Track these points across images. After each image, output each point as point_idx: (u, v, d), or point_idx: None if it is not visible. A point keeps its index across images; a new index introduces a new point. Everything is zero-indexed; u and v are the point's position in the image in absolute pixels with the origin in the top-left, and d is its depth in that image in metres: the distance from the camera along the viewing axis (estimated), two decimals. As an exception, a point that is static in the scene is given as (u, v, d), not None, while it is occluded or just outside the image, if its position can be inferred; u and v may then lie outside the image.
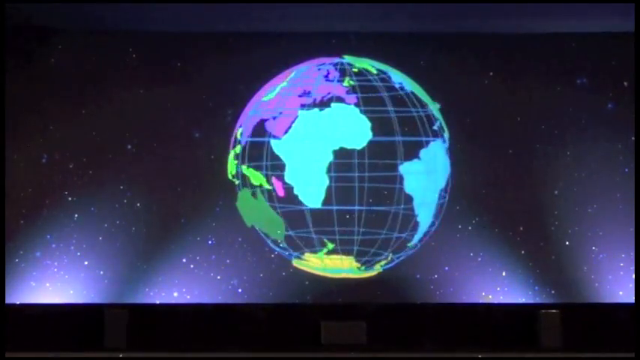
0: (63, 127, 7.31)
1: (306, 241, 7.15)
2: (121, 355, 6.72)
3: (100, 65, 7.37)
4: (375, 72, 7.31)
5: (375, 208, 7.13)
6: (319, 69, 7.36)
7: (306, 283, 7.24)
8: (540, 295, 7.18)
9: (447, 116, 7.32)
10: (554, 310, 7.05)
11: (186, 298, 7.16)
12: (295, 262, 7.23)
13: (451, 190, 7.26)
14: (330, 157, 7.15)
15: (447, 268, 7.23)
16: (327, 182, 7.14)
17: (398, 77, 7.33)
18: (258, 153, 7.21)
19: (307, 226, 7.14)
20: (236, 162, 7.25)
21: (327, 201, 7.15)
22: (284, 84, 7.31)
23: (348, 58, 7.38)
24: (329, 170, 7.14)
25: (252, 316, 7.17)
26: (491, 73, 7.40)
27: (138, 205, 7.25)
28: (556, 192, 7.29)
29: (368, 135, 7.18)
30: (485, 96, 7.37)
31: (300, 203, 7.16)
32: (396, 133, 7.16)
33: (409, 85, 7.32)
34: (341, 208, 7.14)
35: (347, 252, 7.16)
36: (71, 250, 7.17)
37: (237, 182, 7.24)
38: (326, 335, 7.05)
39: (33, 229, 7.17)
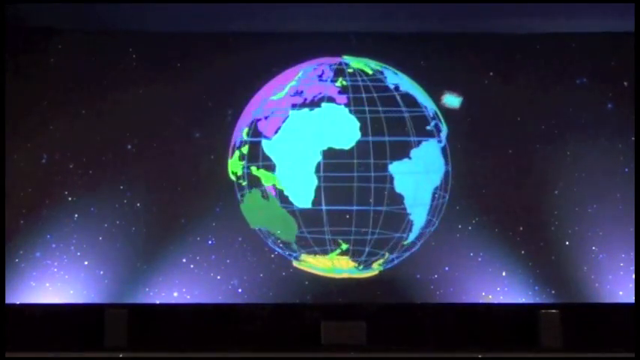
0: (63, 127, 7.31)
1: (319, 241, 7.14)
2: (121, 355, 6.72)
3: (100, 65, 7.37)
4: (371, 72, 7.31)
5: (365, 208, 7.12)
6: (315, 69, 7.35)
7: (306, 283, 7.24)
8: (540, 295, 7.18)
9: (446, 116, 7.32)
10: (554, 310, 7.05)
11: (186, 298, 7.16)
12: (295, 263, 7.23)
13: (451, 190, 7.26)
14: (319, 158, 7.14)
15: (447, 268, 7.23)
16: (315, 182, 7.14)
17: (395, 78, 7.31)
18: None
19: (322, 226, 7.13)
20: (242, 163, 7.23)
21: (316, 201, 7.14)
22: (293, 83, 7.30)
23: (352, 59, 7.36)
24: (318, 170, 7.14)
25: (252, 316, 7.17)
26: (491, 73, 7.40)
27: (138, 205, 7.25)
28: (556, 192, 7.29)
29: (357, 135, 7.18)
30: (485, 96, 7.37)
31: (314, 203, 7.14)
32: (385, 133, 7.15)
33: (407, 85, 7.31)
34: (331, 208, 7.13)
35: (342, 252, 7.16)
36: (71, 250, 7.17)
37: (243, 183, 7.22)
38: (326, 335, 7.05)
39: (33, 229, 7.17)
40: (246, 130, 7.29)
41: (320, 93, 7.26)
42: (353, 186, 7.12)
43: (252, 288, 7.20)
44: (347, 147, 7.16)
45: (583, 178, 7.29)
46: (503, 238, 7.24)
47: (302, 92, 7.28)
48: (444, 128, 7.29)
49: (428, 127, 7.22)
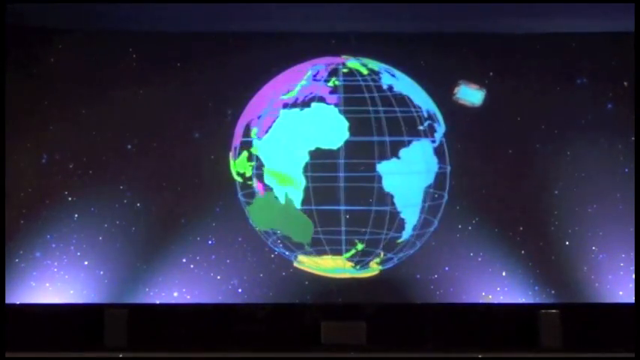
0: (63, 127, 7.31)
1: (334, 242, 7.14)
2: (121, 355, 6.72)
3: (100, 65, 7.36)
4: (366, 73, 7.30)
5: (355, 207, 7.12)
6: (325, 67, 7.35)
7: (306, 283, 7.24)
8: (540, 295, 7.18)
9: (446, 116, 7.32)
10: (554, 310, 7.05)
11: (186, 298, 7.16)
12: (296, 263, 7.23)
13: (451, 190, 7.26)
14: (307, 158, 7.14)
15: (447, 268, 7.23)
16: (304, 183, 7.14)
17: (390, 79, 7.30)
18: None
19: (339, 226, 7.13)
20: (252, 163, 7.22)
21: (306, 201, 7.14)
22: (304, 82, 7.29)
23: (363, 59, 7.38)
24: (306, 170, 7.14)
25: (252, 316, 7.18)
26: (491, 73, 7.40)
27: (138, 205, 7.25)
28: (556, 192, 7.29)
29: (345, 135, 7.17)
30: (485, 96, 7.36)
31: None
32: (374, 133, 7.15)
33: (403, 86, 7.29)
34: (320, 208, 7.13)
35: (336, 252, 7.16)
36: (71, 250, 7.17)
37: (254, 185, 7.22)
38: (326, 335, 7.05)
39: (33, 229, 7.17)
40: (255, 129, 7.26)
41: (311, 93, 7.26)
42: (340, 186, 7.12)
43: (252, 288, 7.20)
44: (335, 147, 7.16)
45: (583, 178, 7.29)
46: (503, 238, 7.24)
47: (311, 92, 7.27)
48: (441, 129, 7.27)
49: (420, 127, 7.21)
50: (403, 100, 7.24)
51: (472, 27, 7.33)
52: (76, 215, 7.22)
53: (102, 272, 7.15)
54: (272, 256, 7.24)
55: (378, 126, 7.16)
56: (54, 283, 7.13)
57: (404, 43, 7.44)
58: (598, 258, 7.20)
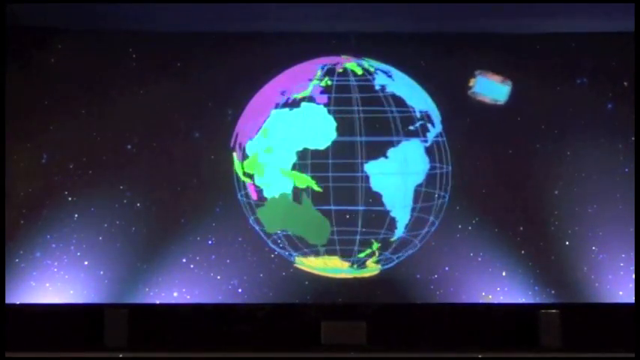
0: (63, 127, 7.31)
1: (349, 242, 7.14)
2: (120, 355, 6.72)
3: (100, 65, 7.36)
4: (360, 73, 7.30)
5: (344, 207, 7.11)
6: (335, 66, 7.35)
7: (306, 283, 7.24)
8: (540, 295, 7.18)
9: (447, 116, 7.32)
10: (554, 310, 7.05)
11: (186, 298, 7.16)
12: (296, 264, 7.23)
13: (451, 190, 7.26)
14: (294, 158, 7.14)
15: (447, 268, 7.23)
16: (292, 183, 7.14)
17: (385, 79, 7.29)
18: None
19: (355, 226, 7.13)
20: (265, 164, 7.20)
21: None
22: (315, 81, 7.28)
23: (370, 60, 7.37)
24: (293, 170, 7.15)
25: (252, 316, 7.17)
26: (491, 73, 7.39)
27: (138, 205, 7.25)
28: (556, 192, 7.29)
29: (332, 135, 7.17)
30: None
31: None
32: (362, 134, 7.15)
33: (398, 87, 7.27)
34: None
35: (330, 252, 7.16)
36: (71, 250, 7.17)
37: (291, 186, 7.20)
38: (326, 335, 7.05)
39: (33, 229, 7.17)
40: (267, 129, 7.24)
41: (324, 91, 7.26)
42: (329, 186, 7.12)
43: (252, 288, 7.20)
44: (322, 147, 7.15)
45: (583, 178, 7.29)
46: (503, 238, 7.24)
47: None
48: (435, 129, 7.25)
49: (411, 128, 7.20)
50: (396, 101, 7.23)
51: (472, 27, 7.33)
52: (76, 215, 7.21)
53: (102, 272, 7.15)
54: (272, 256, 7.24)
55: (365, 126, 7.15)
56: (54, 283, 7.12)
57: (404, 43, 7.44)
58: (598, 258, 7.20)
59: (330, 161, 7.12)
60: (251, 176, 7.22)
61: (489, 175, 7.32)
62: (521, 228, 7.27)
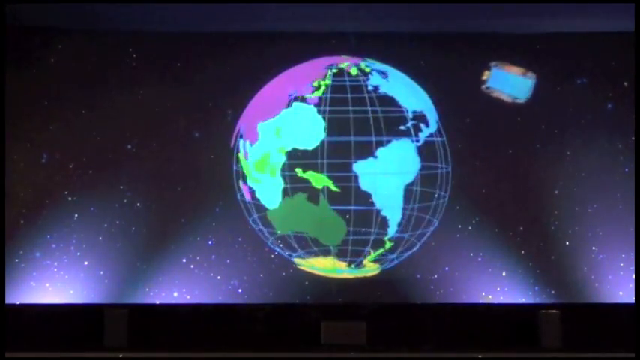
0: (63, 127, 7.31)
1: (363, 242, 7.14)
2: (120, 355, 6.72)
3: (100, 65, 7.37)
4: (355, 73, 7.30)
5: (334, 208, 7.12)
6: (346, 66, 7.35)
7: (306, 283, 7.24)
8: (540, 295, 7.18)
9: (447, 116, 7.32)
10: (554, 310, 7.05)
11: (186, 298, 7.16)
12: (296, 264, 7.23)
13: (451, 190, 7.26)
14: (283, 159, 7.14)
15: (447, 268, 7.24)
16: (282, 184, 7.14)
17: (379, 79, 7.29)
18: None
19: (370, 227, 7.13)
20: (279, 164, 7.18)
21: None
22: (327, 81, 7.27)
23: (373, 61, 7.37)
24: (283, 171, 7.14)
25: (252, 316, 7.17)
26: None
27: (138, 205, 7.25)
28: (556, 192, 7.29)
29: (321, 135, 7.17)
30: (485, 96, 7.37)
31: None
32: (352, 133, 7.15)
33: (391, 87, 7.27)
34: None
35: (325, 252, 7.16)
36: (71, 250, 7.18)
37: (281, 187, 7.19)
38: (326, 335, 7.05)
39: (33, 229, 7.17)
40: (279, 129, 7.22)
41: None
42: (319, 187, 7.13)
43: (252, 288, 7.20)
44: (310, 147, 7.16)
45: (583, 178, 7.29)
46: (503, 238, 7.24)
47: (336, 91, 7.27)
48: (428, 129, 7.23)
49: (402, 128, 7.19)
50: (387, 101, 7.22)
51: (472, 27, 7.33)
52: (76, 215, 7.22)
53: (102, 272, 7.15)
54: (272, 256, 7.24)
55: (356, 126, 7.15)
56: (54, 283, 7.13)
57: (404, 43, 7.44)
58: (598, 258, 7.20)
59: (318, 161, 7.12)
60: (262, 177, 7.21)
61: (489, 175, 7.32)
62: (521, 228, 7.27)
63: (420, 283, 7.22)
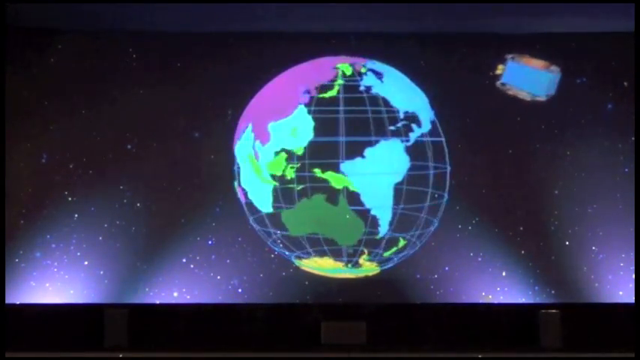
0: (63, 127, 7.31)
1: (376, 242, 7.16)
2: (120, 355, 6.72)
3: (100, 65, 7.37)
4: (349, 73, 7.30)
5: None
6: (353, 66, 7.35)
7: (306, 283, 7.24)
8: (540, 295, 7.18)
9: (447, 116, 7.32)
10: (554, 310, 7.05)
11: (186, 298, 7.16)
12: (297, 264, 7.23)
13: (451, 190, 7.26)
14: (272, 159, 7.15)
15: (447, 268, 7.24)
16: (272, 185, 7.14)
17: (372, 80, 7.29)
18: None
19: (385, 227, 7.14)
20: (295, 165, 7.18)
21: (275, 205, 7.16)
22: (340, 81, 7.27)
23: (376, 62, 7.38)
24: (273, 174, 7.16)
25: (252, 316, 7.17)
26: (491, 73, 7.39)
27: (138, 205, 7.25)
28: (556, 192, 7.29)
29: (309, 135, 7.17)
30: (485, 96, 7.37)
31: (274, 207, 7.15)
32: (341, 133, 7.14)
33: (384, 88, 7.27)
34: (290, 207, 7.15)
35: (320, 253, 7.16)
36: (71, 250, 7.18)
37: (297, 188, 7.18)
38: (326, 335, 7.05)
39: (33, 229, 7.17)
40: (295, 128, 7.22)
41: (349, 91, 7.27)
42: (307, 187, 7.12)
43: (252, 288, 7.20)
44: (299, 147, 7.15)
45: (583, 178, 7.29)
46: (503, 238, 7.24)
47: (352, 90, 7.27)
48: (420, 129, 7.22)
49: (392, 128, 7.19)
50: (378, 102, 7.22)
51: (472, 27, 7.33)
52: (76, 215, 7.22)
53: (102, 272, 7.15)
54: (272, 256, 7.24)
55: (345, 126, 7.15)
56: (54, 283, 7.12)
57: (404, 43, 7.44)
58: (598, 258, 7.20)
59: (307, 161, 7.12)
60: (276, 177, 7.21)
61: (489, 175, 7.32)
62: (521, 228, 7.27)
63: (420, 283, 7.22)
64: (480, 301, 7.20)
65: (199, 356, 6.84)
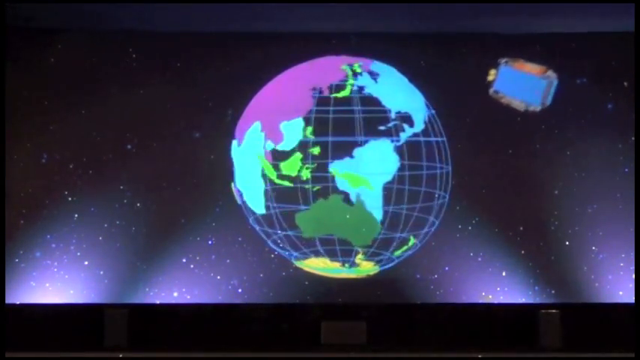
0: (63, 127, 7.31)
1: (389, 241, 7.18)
2: (120, 355, 6.72)
3: (100, 65, 7.37)
4: (359, 71, 7.31)
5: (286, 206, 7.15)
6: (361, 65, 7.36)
7: (306, 283, 7.24)
8: (540, 295, 7.18)
9: (447, 116, 7.32)
10: (554, 310, 7.05)
11: (186, 298, 7.16)
12: (298, 264, 7.23)
13: (451, 190, 7.27)
14: (287, 159, 7.16)
15: (447, 268, 7.24)
16: (262, 186, 7.15)
17: (365, 80, 7.29)
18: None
19: (398, 227, 7.15)
20: (311, 165, 7.17)
21: (267, 205, 7.17)
22: (352, 81, 7.26)
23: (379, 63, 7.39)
24: (262, 173, 7.15)
25: (252, 316, 7.18)
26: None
27: (138, 205, 7.25)
28: (556, 192, 7.29)
29: (299, 136, 7.17)
30: (485, 96, 7.36)
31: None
32: (329, 133, 7.14)
33: (378, 88, 7.27)
34: (282, 207, 7.15)
35: (316, 253, 7.16)
36: (71, 250, 7.18)
37: (314, 188, 7.16)
38: (326, 335, 7.05)
39: (33, 229, 7.17)
40: (310, 128, 7.23)
41: (362, 91, 7.27)
42: (297, 187, 7.13)
43: (252, 288, 7.20)
44: (288, 148, 7.15)
45: (583, 178, 7.29)
46: (503, 238, 7.24)
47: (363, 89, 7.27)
48: (411, 129, 7.22)
49: (382, 127, 7.19)
50: (370, 102, 7.21)
51: (472, 27, 7.33)
52: (76, 215, 7.22)
53: (102, 272, 7.15)
54: (272, 256, 7.24)
55: (333, 126, 7.16)
56: (54, 283, 7.13)
57: (404, 43, 7.44)
58: (598, 258, 7.20)
59: (298, 162, 7.15)
60: (291, 178, 7.20)
61: (489, 175, 7.32)
62: (521, 228, 7.27)
63: (420, 283, 7.22)
64: (480, 301, 7.20)
65: (199, 356, 6.84)
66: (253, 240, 7.24)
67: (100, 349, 6.90)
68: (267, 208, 7.18)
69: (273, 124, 7.26)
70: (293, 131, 7.22)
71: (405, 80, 7.37)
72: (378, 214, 7.17)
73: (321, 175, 7.14)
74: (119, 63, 7.39)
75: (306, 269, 7.23)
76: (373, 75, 7.33)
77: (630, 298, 7.05)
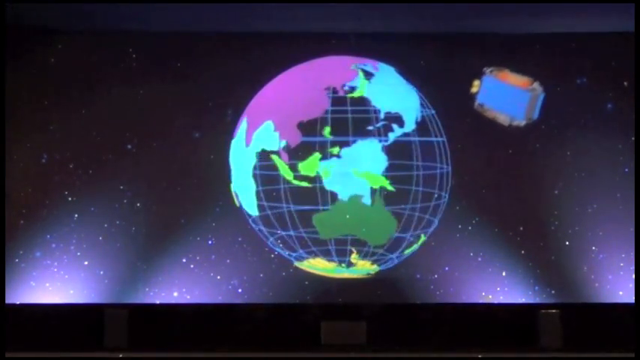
0: (63, 127, 7.31)
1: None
2: (120, 355, 6.71)
3: (100, 65, 7.37)
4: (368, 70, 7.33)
5: (300, 207, 7.12)
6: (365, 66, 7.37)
7: (306, 283, 7.24)
8: (540, 295, 7.18)
9: (447, 116, 7.32)
10: (554, 310, 7.05)
11: (186, 298, 7.16)
12: (297, 264, 7.24)
13: (451, 190, 7.26)
14: (254, 161, 7.18)
15: (447, 268, 7.24)
16: (254, 187, 7.16)
17: (359, 82, 7.29)
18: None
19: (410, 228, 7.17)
20: (331, 165, 7.15)
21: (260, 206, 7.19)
22: (364, 80, 7.27)
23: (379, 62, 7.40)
24: (254, 174, 7.16)
25: (252, 316, 7.18)
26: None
27: (138, 205, 7.25)
28: (556, 192, 7.29)
29: (316, 135, 7.17)
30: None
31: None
32: (318, 133, 7.14)
33: (372, 88, 7.27)
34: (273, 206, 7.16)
35: (314, 254, 7.16)
36: (71, 250, 7.18)
37: (332, 188, 7.16)
38: (326, 335, 7.05)
39: (33, 229, 7.17)
40: (328, 128, 7.20)
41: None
42: (286, 187, 7.14)
43: (252, 288, 7.20)
44: (275, 148, 7.15)
45: (583, 178, 7.29)
46: (503, 238, 7.24)
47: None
48: (401, 129, 7.22)
49: (370, 128, 7.19)
50: (361, 101, 7.22)
51: (472, 27, 7.33)
52: (76, 215, 7.22)
53: (102, 272, 7.15)
54: (272, 256, 7.24)
55: (322, 126, 7.16)
56: (54, 283, 7.12)
57: (404, 43, 7.44)
58: (598, 258, 7.20)
59: (288, 162, 7.16)
60: (309, 178, 7.20)
61: (489, 175, 7.32)
62: (521, 228, 7.27)
63: (420, 283, 7.22)
64: (480, 301, 7.20)
65: (199, 356, 6.84)
66: (253, 240, 7.24)
67: (100, 349, 6.90)
68: (261, 208, 7.17)
69: (287, 123, 7.25)
70: (310, 131, 7.21)
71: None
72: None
73: (339, 173, 7.13)
74: (119, 63, 7.39)
75: (307, 269, 7.23)
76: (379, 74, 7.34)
77: (630, 298, 7.05)
